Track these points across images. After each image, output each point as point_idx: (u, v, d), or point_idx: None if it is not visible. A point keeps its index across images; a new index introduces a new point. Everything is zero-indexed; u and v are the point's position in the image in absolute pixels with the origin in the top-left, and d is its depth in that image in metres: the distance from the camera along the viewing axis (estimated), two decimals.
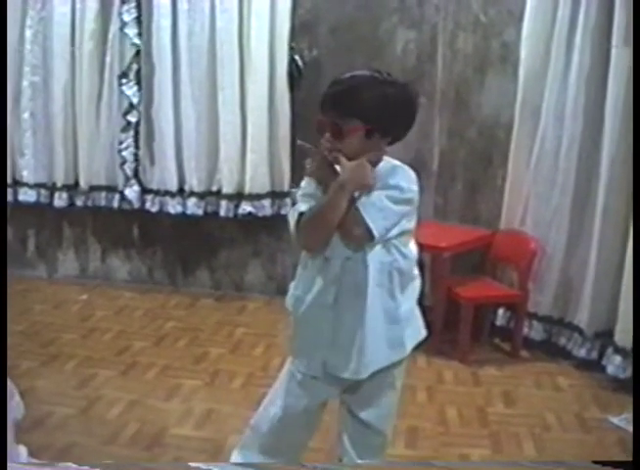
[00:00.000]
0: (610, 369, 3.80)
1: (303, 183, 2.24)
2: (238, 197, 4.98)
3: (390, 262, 2.17)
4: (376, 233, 2.08)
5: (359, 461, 2.34)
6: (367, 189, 2.10)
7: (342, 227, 2.09)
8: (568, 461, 2.82)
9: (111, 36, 4.95)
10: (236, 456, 2.43)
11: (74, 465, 1.75)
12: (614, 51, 3.77)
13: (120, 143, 5.03)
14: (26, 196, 5.27)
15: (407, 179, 2.15)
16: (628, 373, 3.71)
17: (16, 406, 2.25)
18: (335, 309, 2.19)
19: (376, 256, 2.15)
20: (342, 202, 2.06)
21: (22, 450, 2.05)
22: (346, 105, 2.09)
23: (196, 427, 3.33)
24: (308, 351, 2.29)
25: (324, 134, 2.12)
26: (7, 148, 5.06)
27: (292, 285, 2.33)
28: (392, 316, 2.21)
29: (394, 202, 2.10)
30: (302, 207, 2.15)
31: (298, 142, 2.21)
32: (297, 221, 2.15)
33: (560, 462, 2.82)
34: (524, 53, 4.26)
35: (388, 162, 2.19)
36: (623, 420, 3.44)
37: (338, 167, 2.13)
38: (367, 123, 2.09)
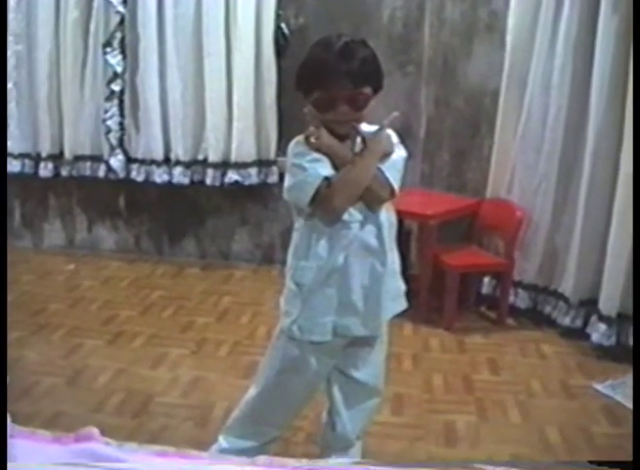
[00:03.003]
0: (594, 337, 3.82)
1: (302, 149, 2.16)
2: (224, 166, 4.95)
3: (388, 218, 2.26)
4: (397, 192, 2.21)
5: (355, 458, 2.36)
6: (389, 154, 2.20)
7: (368, 190, 2.15)
8: (566, 462, 2.84)
9: (95, 4, 4.87)
10: (226, 435, 2.44)
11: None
12: (601, 20, 3.75)
13: (105, 112, 4.98)
14: (11, 166, 5.20)
15: (395, 139, 2.26)
16: (612, 341, 3.75)
17: None
18: (344, 271, 2.20)
19: (383, 215, 2.23)
20: (373, 167, 2.15)
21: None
22: (362, 75, 2.08)
23: (182, 395, 3.34)
24: (319, 317, 2.24)
25: (336, 108, 2.09)
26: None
27: (294, 256, 2.27)
28: (392, 269, 2.29)
29: (404, 160, 2.25)
30: (323, 171, 2.13)
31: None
32: (318, 185, 2.12)
33: (559, 463, 2.85)
34: (511, 22, 4.24)
35: (369, 127, 2.22)
36: (607, 387, 3.48)
37: (325, 134, 2.13)
38: (373, 89, 2.13)
